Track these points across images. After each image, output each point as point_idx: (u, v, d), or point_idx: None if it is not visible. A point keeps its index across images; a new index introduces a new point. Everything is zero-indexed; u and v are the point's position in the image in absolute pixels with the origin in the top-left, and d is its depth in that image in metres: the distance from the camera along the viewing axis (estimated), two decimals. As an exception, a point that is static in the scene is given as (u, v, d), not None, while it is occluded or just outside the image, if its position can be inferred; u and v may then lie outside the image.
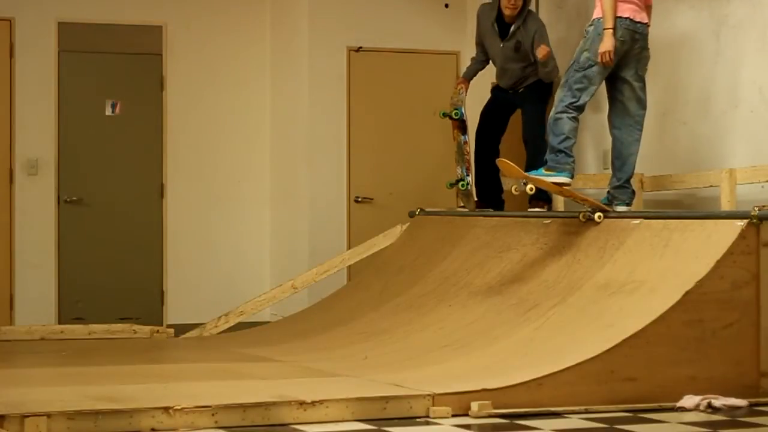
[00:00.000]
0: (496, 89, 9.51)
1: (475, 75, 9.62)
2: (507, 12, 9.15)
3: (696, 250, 6.64)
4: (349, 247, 10.34)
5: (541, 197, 9.23)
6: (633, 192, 8.12)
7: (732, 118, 8.42)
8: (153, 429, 5.51)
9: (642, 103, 8.05)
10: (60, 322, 10.36)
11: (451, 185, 9.71)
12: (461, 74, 10.01)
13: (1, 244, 10.55)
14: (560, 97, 7.97)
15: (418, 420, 5.81)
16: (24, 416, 5.34)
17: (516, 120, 9.44)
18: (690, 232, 6.82)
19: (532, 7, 10.13)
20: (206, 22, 11.18)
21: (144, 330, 9.28)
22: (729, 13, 8.46)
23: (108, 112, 10.92)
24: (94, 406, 5.56)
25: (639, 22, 7.91)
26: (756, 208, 6.56)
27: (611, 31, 7.80)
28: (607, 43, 7.81)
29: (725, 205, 7.80)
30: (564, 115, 7.91)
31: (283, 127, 11.20)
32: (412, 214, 9.77)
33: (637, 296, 6.66)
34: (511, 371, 6.27)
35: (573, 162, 7.97)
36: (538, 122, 9.25)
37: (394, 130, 10.82)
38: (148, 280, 10.95)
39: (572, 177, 8.01)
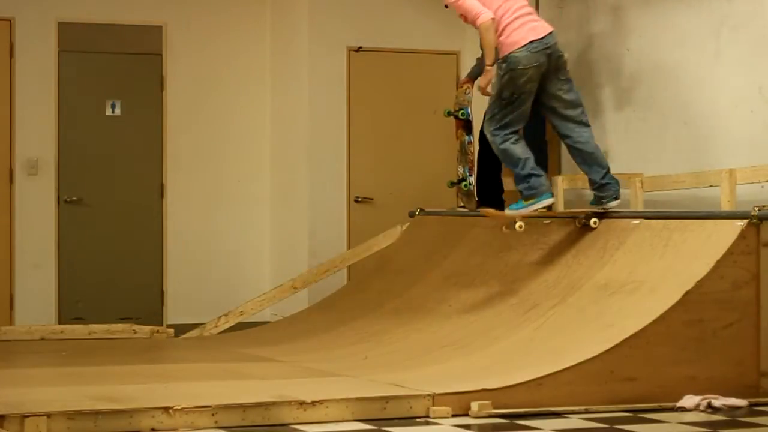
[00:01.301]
0: None
1: (479, 75, 9.61)
2: None
3: (696, 250, 6.64)
4: (349, 247, 10.34)
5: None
6: (617, 182, 7.86)
7: (732, 118, 8.42)
8: (153, 429, 5.51)
9: (575, 102, 7.80)
10: (60, 322, 10.35)
11: (452, 184, 9.70)
12: (464, 74, 10.01)
13: (1, 244, 10.55)
14: (492, 131, 7.76)
15: (418, 420, 5.81)
16: (24, 416, 5.34)
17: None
18: (690, 232, 6.82)
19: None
20: (206, 22, 11.17)
21: (144, 330, 9.29)
22: (729, 13, 8.46)
23: (108, 111, 10.91)
24: (94, 406, 5.56)
25: (544, 37, 7.63)
26: (756, 208, 6.57)
27: (491, 68, 7.72)
28: (486, 79, 7.79)
29: (725, 205, 7.80)
30: (507, 143, 7.71)
31: (283, 127, 11.20)
32: (412, 214, 9.77)
33: (637, 296, 6.66)
34: (511, 371, 6.27)
35: (545, 178, 7.80)
36: (540, 122, 9.25)
37: (394, 130, 10.82)
38: (148, 280, 10.95)
39: (552, 194, 7.85)
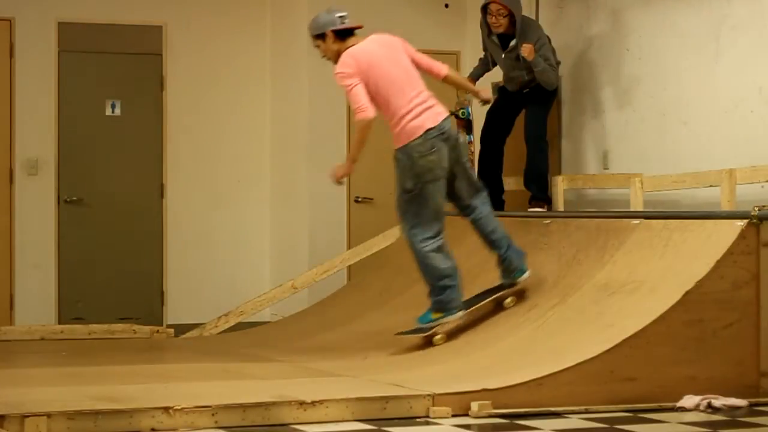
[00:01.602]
0: (502, 89, 9.51)
1: (481, 76, 9.62)
2: (493, 30, 9.16)
3: (696, 250, 6.64)
4: (349, 247, 10.33)
5: (541, 197, 9.25)
6: (523, 254, 7.54)
7: (732, 118, 8.42)
8: (153, 429, 5.51)
9: (475, 182, 7.59)
10: (60, 322, 10.35)
11: (452, 185, 9.72)
12: (465, 74, 10.01)
13: (1, 244, 10.54)
14: (408, 231, 7.39)
15: (418, 420, 5.81)
16: (24, 416, 5.34)
17: (518, 121, 9.44)
18: (690, 232, 6.82)
19: (532, 8, 10.15)
20: (206, 22, 11.17)
21: (144, 330, 9.29)
22: (729, 13, 8.46)
23: (108, 111, 10.91)
24: (94, 406, 5.56)
25: (441, 122, 7.37)
26: (756, 208, 6.57)
27: (352, 164, 7.54)
28: (341, 172, 7.60)
29: (725, 205, 7.80)
30: (426, 249, 7.34)
31: (283, 127, 11.20)
32: (412, 214, 9.75)
33: (637, 296, 6.66)
34: (511, 371, 6.27)
35: (459, 291, 7.39)
36: (540, 123, 9.26)
37: (394, 130, 10.80)
38: (148, 280, 10.94)
39: (463, 309, 7.41)
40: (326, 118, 10.69)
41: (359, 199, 10.72)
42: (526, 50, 8.93)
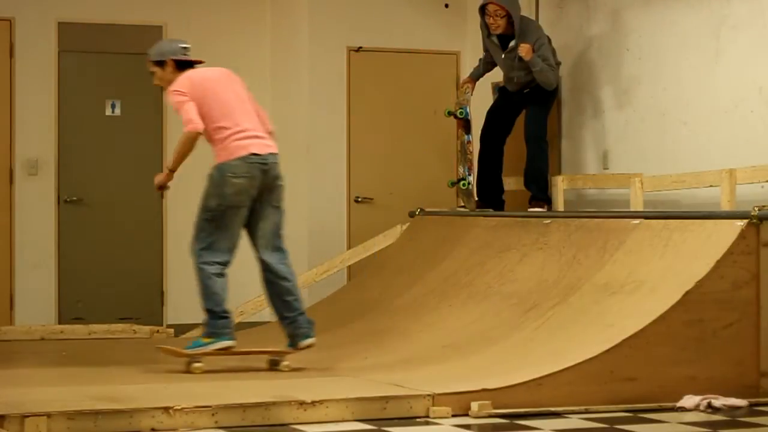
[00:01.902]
0: (503, 89, 9.52)
1: (482, 76, 9.64)
2: (492, 31, 9.17)
3: (696, 250, 6.64)
4: (349, 247, 10.33)
5: (541, 197, 9.25)
6: (313, 323, 7.35)
7: (732, 118, 8.42)
8: (153, 429, 5.51)
9: (280, 244, 7.54)
10: (60, 322, 10.35)
11: (453, 184, 9.73)
12: (465, 74, 10.02)
13: (1, 244, 10.54)
14: (197, 250, 7.28)
15: (418, 420, 5.82)
16: (24, 416, 5.34)
17: (518, 121, 9.44)
18: (690, 232, 6.82)
19: (532, 8, 10.15)
20: (206, 22, 11.16)
21: (144, 330, 9.29)
22: (729, 13, 8.46)
23: (108, 111, 10.91)
24: (94, 406, 5.56)
25: (268, 154, 7.36)
26: (756, 208, 6.57)
27: (171, 172, 7.40)
28: (159, 179, 7.44)
29: (725, 205, 7.80)
30: (209, 271, 7.24)
31: (283, 127, 11.18)
32: (412, 214, 9.77)
33: (637, 296, 6.66)
34: (511, 371, 6.27)
35: (231, 321, 7.31)
36: (540, 123, 9.27)
37: (394, 130, 10.81)
38: (148, 280, 10.94)
39: (234, 338, 7.29)
40: (326, 118, 10.69)
41: (359, 199, 10.72)
42: (524, 50, 8.94)
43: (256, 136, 7.37)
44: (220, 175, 7.29)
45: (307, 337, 7.29)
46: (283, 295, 7.37)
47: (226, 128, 7.31)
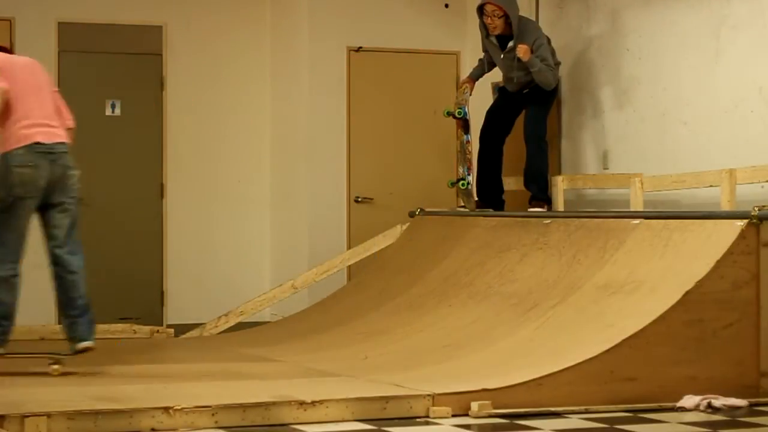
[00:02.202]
0: (502, 90, 9.52)
1: (481, 76, 9.64)
2: (490, 31, 9.17)
3: (696, 250, 6.64)
4: (349, 247, 10.33)
5: (541, 197, 9.25)
6: (94, 326, 7.29)
7: (732, 118, 8.42)
8: (153, 429, 5.51)
9: (75, 240, 7.21)
10: (60, 322, 10.32)
11: (453, 184, 9.73)
12: (465, 74, 10.01)
13: (1, 244, 10.53)
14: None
15: (418, 420, 5.82)
16: (24, 416, 5.34)
17: (518, 121, 9.44)
18: (690, 232, 6.82)
19: (532, 8, 10.15)
20: (206, 22, 11.17)
21: (144, 330, 9.28)
22: (729, 13, 8.46)
23: (108, 111, 10.91)
24: (94, 406, 5.56)
25: (55, 143, 7.05)
26: (756, 208, 6.57)
27: None
28: None
29: (725, 205, 7.80)
30: (12, 279, 7.10)
31: (283, 127, 11.20)
32: (412, 214, 9.77)
33: (637, 296, 6.66)
34: (511, 371, 6.27)
35: (10, 329, 7.17)
36: (540, 123, 9.27)
37: (394, 130, 10.82)
38: (148, 280, 10.94)
39: (6, 343, 7.15)
40: (326, 118, 10.69)
41: (359, 199, 10.72)
42: (521, 51, 8.94)
43: (45, 125, 7.09)
44: (4, 165, 7.01)
45: (83, 340, 7.11)
46: (68, 291, 7.19)
47: (17, 114, 7.05)
